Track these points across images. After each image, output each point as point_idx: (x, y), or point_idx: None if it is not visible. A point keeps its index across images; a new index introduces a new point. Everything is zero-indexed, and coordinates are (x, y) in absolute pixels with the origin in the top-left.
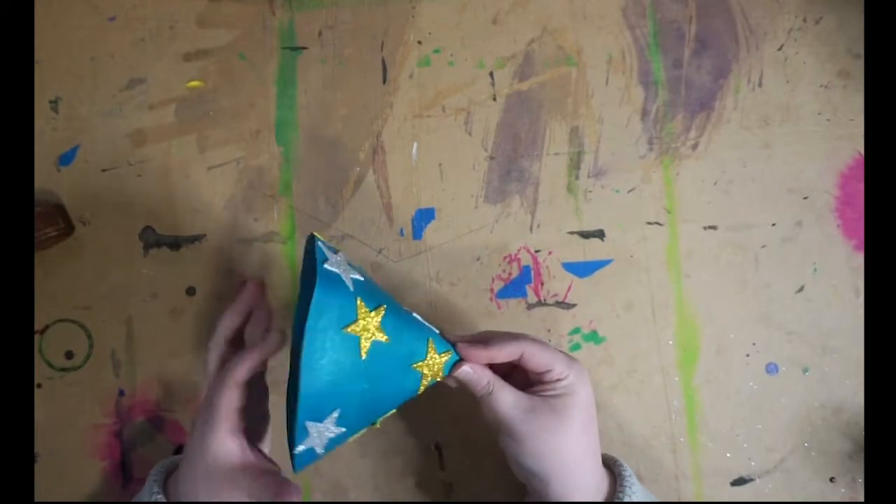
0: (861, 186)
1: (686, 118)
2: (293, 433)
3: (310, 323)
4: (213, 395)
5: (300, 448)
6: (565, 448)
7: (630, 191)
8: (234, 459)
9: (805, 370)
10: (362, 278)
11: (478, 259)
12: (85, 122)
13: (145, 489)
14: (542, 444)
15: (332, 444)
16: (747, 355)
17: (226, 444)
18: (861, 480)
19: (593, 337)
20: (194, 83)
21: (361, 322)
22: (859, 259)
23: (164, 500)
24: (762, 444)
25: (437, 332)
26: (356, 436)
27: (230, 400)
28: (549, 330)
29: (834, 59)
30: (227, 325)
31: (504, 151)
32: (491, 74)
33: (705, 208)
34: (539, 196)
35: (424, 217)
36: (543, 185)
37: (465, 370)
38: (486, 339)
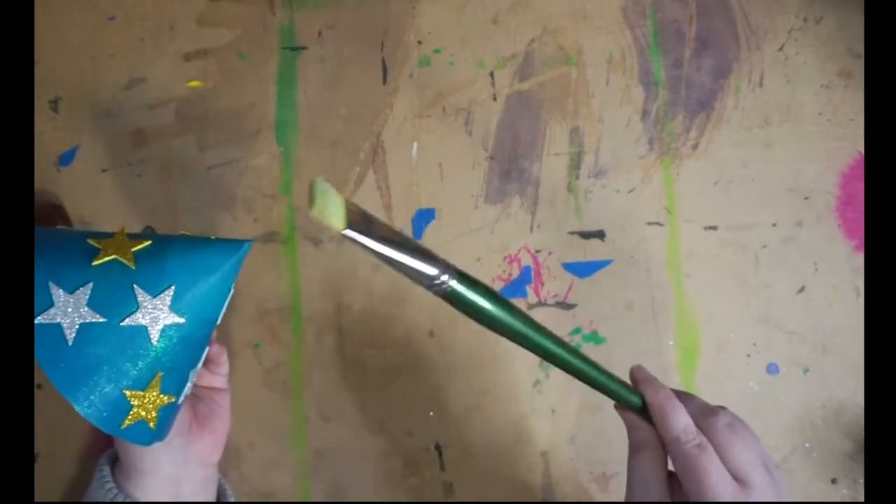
0: (861, 186)
1: (686, 118)
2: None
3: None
4: None
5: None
6: None
7: (630, 191)
8: None
9: (806, 370)
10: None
11: (478, 259)
12: (85, 122)
13: (95, 472)
14: None
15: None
16: (748, 355)
17: None
18: (863, 481)
19: (594, 337)
20: (194, 83)
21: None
22: (860, 259)
23: (110, 478)
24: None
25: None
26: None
27: None
28: None
29: (834, 59)
30: None
31: (504, 151)
32: (491, 74)
33: (705, 208)
34: (539, 196)
35: (424, 217)
36: (543, 185)
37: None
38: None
